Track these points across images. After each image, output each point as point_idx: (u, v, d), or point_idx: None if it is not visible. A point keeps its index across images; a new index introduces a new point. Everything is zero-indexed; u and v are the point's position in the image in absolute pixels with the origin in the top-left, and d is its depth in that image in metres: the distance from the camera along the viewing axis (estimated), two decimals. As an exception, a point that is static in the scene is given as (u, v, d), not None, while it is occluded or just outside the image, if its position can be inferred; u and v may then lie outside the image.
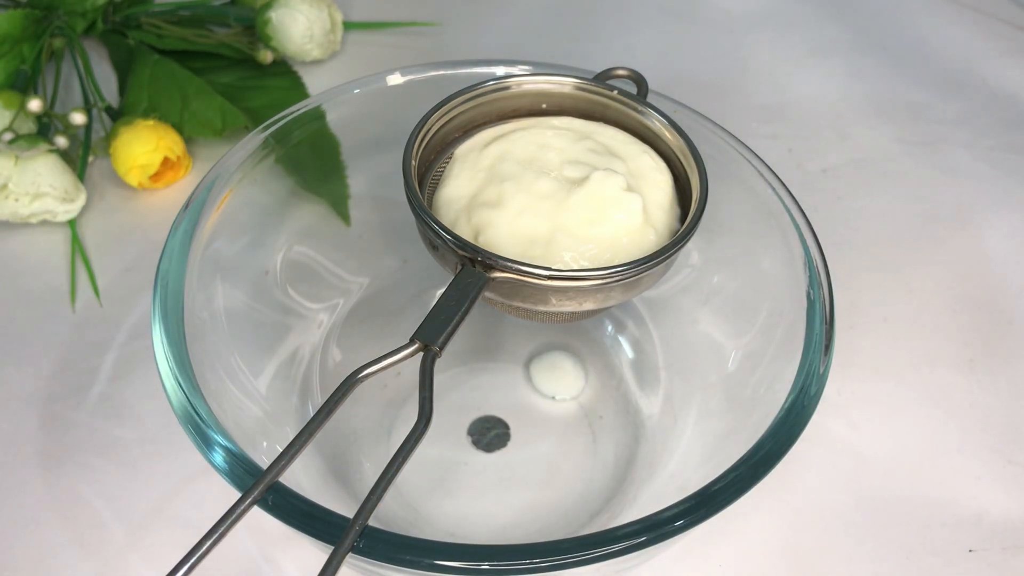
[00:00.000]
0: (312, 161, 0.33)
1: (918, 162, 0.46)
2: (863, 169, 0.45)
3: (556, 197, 0.26)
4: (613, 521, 0.29)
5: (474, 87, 0.29)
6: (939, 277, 0.40)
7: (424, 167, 0.29)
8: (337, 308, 0.35)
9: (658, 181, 0.28)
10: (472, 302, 0.24)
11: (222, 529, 0.20)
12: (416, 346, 0.23)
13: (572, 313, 0.27)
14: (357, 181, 0.36)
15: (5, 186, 0.38)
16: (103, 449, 0.33)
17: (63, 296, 0.38)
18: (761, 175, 0.29)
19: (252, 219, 0.31)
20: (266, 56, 0.47)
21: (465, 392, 0.34)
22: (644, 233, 0.26)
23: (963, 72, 0.51)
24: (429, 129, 0.28)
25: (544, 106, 0.30)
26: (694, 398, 0.31)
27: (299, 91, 0.47)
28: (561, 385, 0.34)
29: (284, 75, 0.47)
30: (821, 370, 0.24)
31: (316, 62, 0.50)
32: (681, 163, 0.28)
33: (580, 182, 0.26)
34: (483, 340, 0.36)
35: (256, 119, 0.44)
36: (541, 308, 0.26)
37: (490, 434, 0.33)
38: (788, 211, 0.28)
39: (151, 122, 0.41)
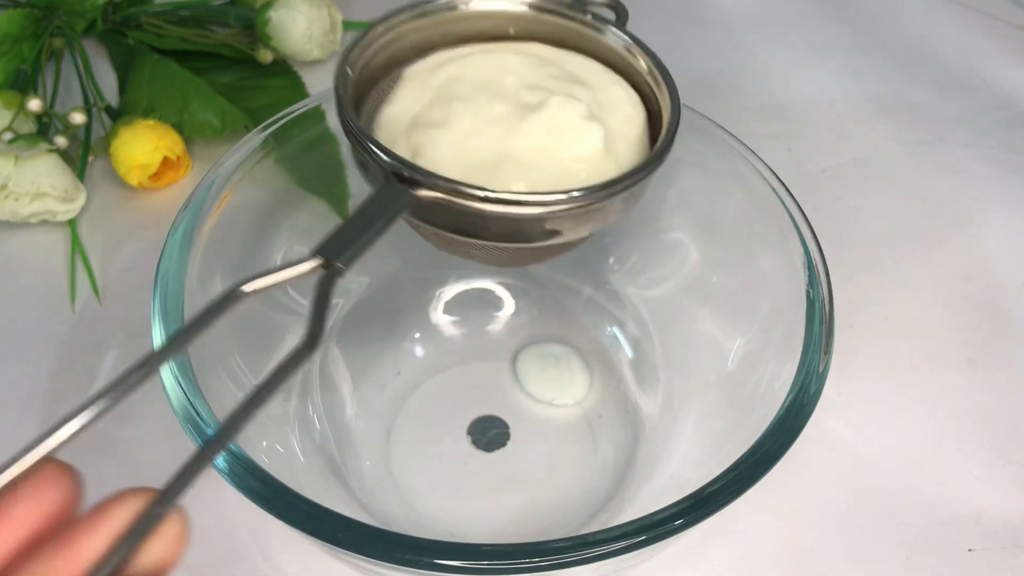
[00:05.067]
0: (312, 161, 0.33)
1: (918, 162, 0.46)
2: (863, 169, 0.45)
3: (508, 122, 0.24)
4: (613, 521, 0.29)
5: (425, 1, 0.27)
6: (939, 276, 0.40)
7: (369, 85, 0.26)
8: (337, 308, 0.35)
9: (628, 114, 0.25)
10: (389, 221, 0.21)
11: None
12: (318, 261, 0.20)
13: (514, 252, 0.25)
14: (357, 180, 0.36)
15: (5, 186, 0.38)
16: (103, 449, 0.33)
17: (63, 296, 0.38)
18: (761, 175, 0.29)
19: (252, 219, 0.31)
20: (266, 56, 0.47)
21: (465, 392, 0.34)
22: (604, 166, 0.24)
23: (963, 72, 0.51)
24: (371, 43, 0.26)
25: (512, 31, 0.27)
26: (694, 397, 0.31)
27: (299, 91, 0.47)
28: (563, 392, 0.34)
29: (284, 75, 0.47)
30: (821, 369, 0.25)
31: (316, 62, 0.50)
32: (658, 98, 0.26)
33: (536, 107, 0.24)
34: (483, 339, 0.36)
35: (256, 119, 0.44)
36: (478, 243, 0.23)
37: (490, 434, 0.33)
38: (788, 211, 0.28)
39: (151, 122, 0.41)
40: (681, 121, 0.29)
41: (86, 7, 0.48)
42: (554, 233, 0.23)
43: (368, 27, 0.26)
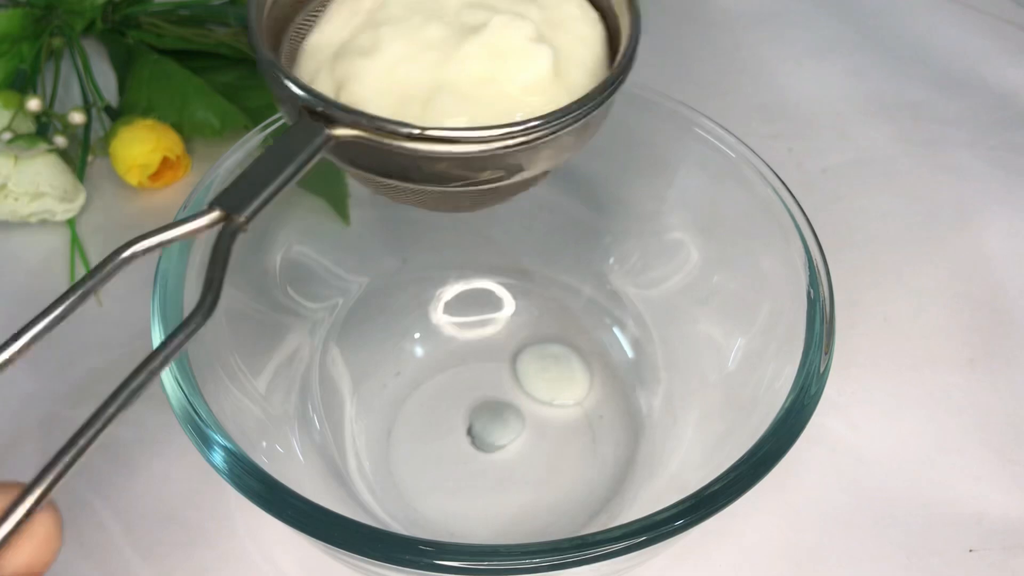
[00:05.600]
0: (312, 161, 0.33)
1: (919, 162, 0.46)
2: (864, 169, 0.45)
3: (445, 47, 0.21)
4: (613, 521, 0.29)
5: None
6: (940, 277, 0.40)
7: (293, 9, 0.23)
8: (337, 308, 0.35)
9: (583, 35, 0.23)
10: (301, 166, 0.19)
11: None
12: (215, 215, 0.18)
13: (454, 197, 0.22)
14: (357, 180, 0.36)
15: (4, 185, 0.38)
16: (103, 449, 0.33)
17: (62, 296, 0.38)
18: (761, 175, 0.29)
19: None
20: (266, 55, 0.47)
21: (465, 392, 0.34)
22: (554, 95, 0.21)
23: (964, 71, 0.51)
24: None
25: None
26: (694, 398, 0.31)
27: (299, 90, 0.47)
28: (563, 392, 0.34)
29: (284, 74, 0.47)
30: (821, 370, 0.24)
31: (316, 61, 0.50)
32: (617, 15, 0.23)
33: (477, 29, 0.21)
34: (483, 339, 0.36)
35: (256, 118, 0.43)
36: (411, 187, 0.21)
37: (490, 434, 0.33)
38: (788, 211, 0.28)
39: (150, 121, 0.41)
40: (681, 121, 0.29)
41: (85, 7, 0.48)
42: (495, 174, 0.21)
43: None
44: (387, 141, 0.19)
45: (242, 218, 0.18)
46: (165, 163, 0.42)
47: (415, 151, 0.19)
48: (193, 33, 0.47)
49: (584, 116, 0.20)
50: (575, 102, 0.20)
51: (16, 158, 0.39)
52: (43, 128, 0.43)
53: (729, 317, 0.32)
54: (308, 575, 0.30)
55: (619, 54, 0.22)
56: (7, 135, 0.40)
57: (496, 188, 0.22)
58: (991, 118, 0.48)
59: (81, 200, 0.40)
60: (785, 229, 0.28)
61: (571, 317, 0.36)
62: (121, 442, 0.33)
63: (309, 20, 0.23)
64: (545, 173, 0.23)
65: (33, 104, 0.41)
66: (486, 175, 0.21)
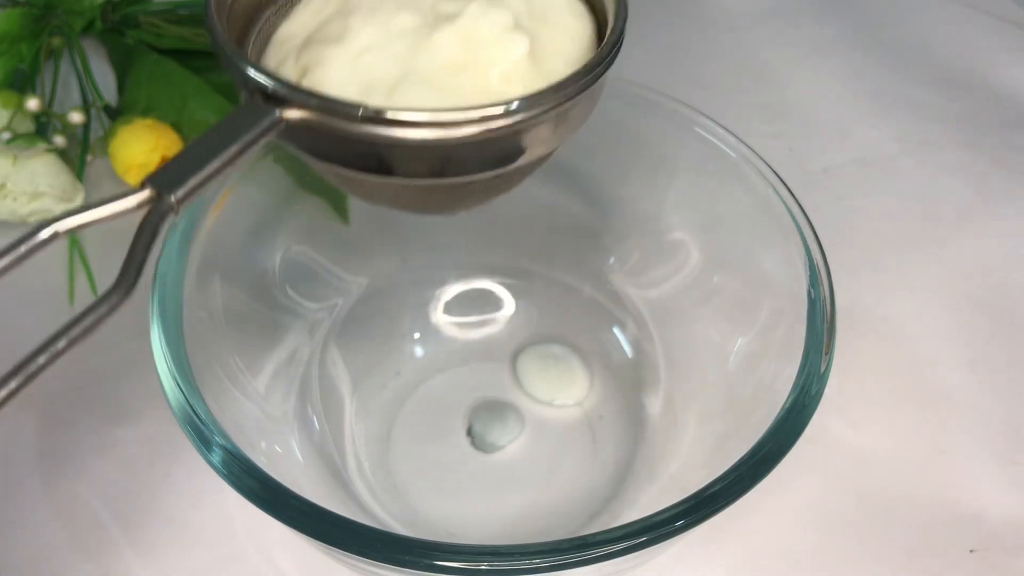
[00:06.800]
0: (311, 160, 0.33)
1: (919, 161, 0.46)
2: (864, 168, 0.45)
3: (416, 35, 0.20)
4: (613, 521, 0.29)
5: None
6: (941, 277, 0.40)
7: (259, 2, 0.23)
8: (336, 308, 0.34)
9: (568, 26, 0.22)
10: (244, 147, 0.17)
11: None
12: (147, 194, 0.17)
13: (418, 194, 0.21)
14: (356, 180, 0.36)
15: (3, 185, 0.38)
16: (102, 449, 0.33)
17: (62, 296, 0.38)
18: (762, 174, 0.29)
19: (250, 219, 0.31)
20: (265, 55, 0.47)
21: (465, 392, 0.34)
22: (531, 85, 0.20)
23: (965, 71, 0.51)
24: None
25: None
26: (694, 398, 0.31)
27: (298, 90, 0.47)
28: (563, 392, 0.34)
29: (283, 74, 0.47)
30: (822, 370, 0.24)
31: (315, 61, 0.50)
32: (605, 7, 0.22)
33: (451, 17, 0.20)
34: (483, 339, 0.36)
35: (255, 118, 0.43)
36: (375, 179, 0.20)
37: (490, 434, 0.33)
38: (789, 211, 0.28)
39: (150, 121, 0.41)
40: (681, 121, 0.29)
41: (84, 6, 0.48)
42: (460, 167, 0.19)
43: None
44: (340, 124, 0.18)
45: (173, 199, 0.17)
46: (164, 163, 0.42)
47: (373, 137, 0.18)
48: (193, 33, 0.47)
49: (558, 104, 0.19)
50: (547, 88, 0.19)
51: (15, 158, 0.38)
52: (42, 128, 0.43)
53: (729, 317, 0.32)
54: (308, 575, 0.30)
55: (603, 42, 0.21)
56: (6, 135, 0.40)
57: (469, 185, 0.21)
58: (991, 118, 0.48)
59: (80, 200, 0.40)
60: (785, 229, 0.28)
61: (571, 317, 0.36)
62: (121, 442, 0.33)
63: (282, 13, 0.23)
64: (524, 172, 0.21)
65: (32, 104, 0.41)
66: (453, 168, 0.19)
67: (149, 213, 0.17)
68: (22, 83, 0.44)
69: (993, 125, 0.48)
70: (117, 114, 0.44)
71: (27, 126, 0.42)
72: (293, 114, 0.18)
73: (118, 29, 0.49)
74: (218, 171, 0.17)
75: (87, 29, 0.49)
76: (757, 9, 0.56)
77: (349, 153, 0.19)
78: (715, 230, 0.33)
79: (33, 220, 0.40)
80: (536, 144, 0.20)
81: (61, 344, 0.16)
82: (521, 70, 0.20)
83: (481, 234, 0.37)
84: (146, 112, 0.43)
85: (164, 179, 0.17)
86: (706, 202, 0.33)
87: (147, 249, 0.17)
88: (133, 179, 0.41)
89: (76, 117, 0.42)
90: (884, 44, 0.53)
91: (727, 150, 0.30)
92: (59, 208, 0.39)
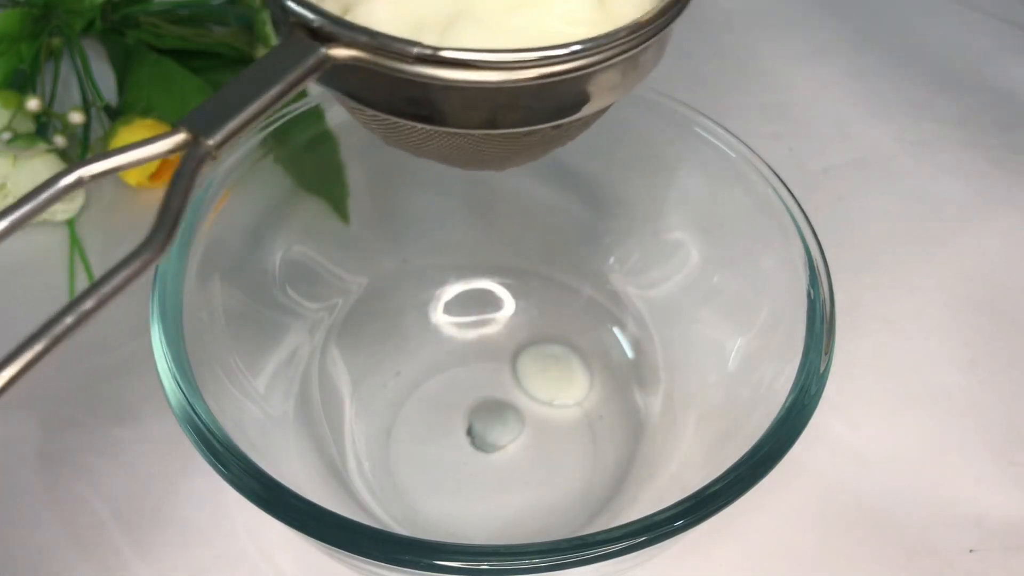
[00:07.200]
0: (311, 160, 0.33)
1: (919, 161, 0.46)
2: (864, 168, 0.45)
3: None
4: (613, 521, 0.29)
5: None
6: (940, 277, 0.40)
7: None
8: (336, 308, 0.35)
9: None
10: (287, 88, 0.16)
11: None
12: (181, 137, 0.16)
13: (475, 145, 0.20)
14: (356, 180, 0.36)
15: (4, 185, 0.38)
16: (103, 449, 0.33)
17: (62, 296, 0.38)
18: (761, 175, 0.29)
19: (250, 218, 0.31)
20: (265, 55, 0.47)
21: (465, 392, 0.34)
22: (597, 26, 0.18)
23: (965, 71, 0.51)
24: None
25: None
26: (694, 398, 0.31)
27: (298, 90, 0.47)
28: (563, 392, 0.34)
29: (283, 74, 0.47)
30: (821, 370, 0.24)
31: (315, 61, 0.50)
32: None
33: None
34: (483, 339, 0.36)
35: (255, 118, 0.43)
36: (425, 128, 0.18)
37: (490, 434, 0.33)
38: (789, 211, 0.28)
39: (150, 121, 0.41)
40: (681, 121, 0.29)
41: (84, 6, 0.48)
42: (519, 116, 0.18)
43: None
44: (392, 64, 0.16)
45: (211, 142, 0.15)
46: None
47: (426, 78, 0.16)
48: (193, 33, 0.47)
49: (629, 49, 0.18)
50: (618, 29, 0.17)
51: (15, 158, 0.39)
52: (42, 128, 0.43)
53: (729, 317, 0.32)
54: (308, 575, 0.30)
55: None
56: (6, 135, 0.40)
57: (526, 136, 0.19)
58: (991, 118, 0.48)
59: (80, 200, 0.40)
60: (785, 229, 0.28)
61: (571, 317, 0.36)
62: (121, 442, 0.33)
63: None
64: (585, 123, 0.20)
65: (32, 104, 0.41)
66: (512, 117, 0.18)
67: (185, 158, 0.15)
68: (22, 83, 0.44)
69: (993, 125, 0.48)
70: (117, 114, 0.44)
71: (27, 126, 0.42)
72: (340, 52, 0.16)
73: (118, 29, 0.49)
74: (258, 114, 0.16)
75: (87, 29, 0.49)
76: (757, 9, 0.56)
77: (399, 98, 0.18)
78: (715, 230, 0.33)
79: (33, 220, 0.40)
80: (602, 93, 0.19)
81: (89, 304, 0.15)
82: (586, 10, 0.19)
83: (481, 234, 0.37)
84: (146, 112, 0.43)
85: (200, 121, 0.15)
86: (706, 202, 0.33)
87: (184, 198, 0.15)
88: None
89: (76, 117, 0.42)
90: (884, 44, 0.53)
91: (727, 150, 0.30)
92: (59, 208, 0.39)
